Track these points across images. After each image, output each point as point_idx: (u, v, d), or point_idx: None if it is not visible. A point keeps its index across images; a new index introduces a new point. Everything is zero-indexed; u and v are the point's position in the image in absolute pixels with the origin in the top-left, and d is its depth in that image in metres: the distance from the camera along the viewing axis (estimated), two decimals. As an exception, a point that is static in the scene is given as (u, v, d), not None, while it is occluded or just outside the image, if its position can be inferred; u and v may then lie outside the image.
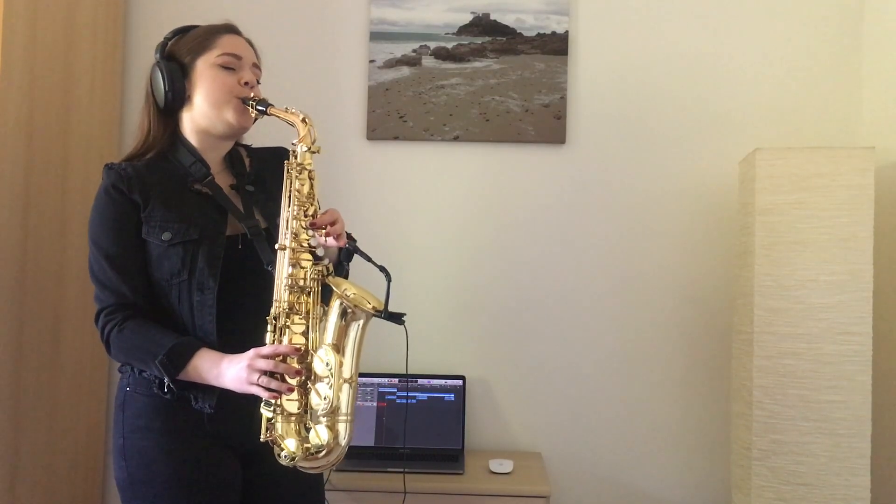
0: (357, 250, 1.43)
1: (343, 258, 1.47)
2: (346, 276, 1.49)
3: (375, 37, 2.39)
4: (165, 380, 1.39)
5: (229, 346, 1.40)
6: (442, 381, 2.25)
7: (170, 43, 1.53)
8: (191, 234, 1.43)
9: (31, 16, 1.93)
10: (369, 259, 1.42)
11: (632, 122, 2.37)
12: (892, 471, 2.05)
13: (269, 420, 1.37)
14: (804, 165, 1.91)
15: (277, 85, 1.83)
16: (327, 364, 1.36)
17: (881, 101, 2.23)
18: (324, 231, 1.41)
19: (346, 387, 1.37)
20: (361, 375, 2.23)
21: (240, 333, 1.41)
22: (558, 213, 2.37)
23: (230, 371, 1.36)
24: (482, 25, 2.40)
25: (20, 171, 1.92)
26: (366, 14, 2.40)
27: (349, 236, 1.51)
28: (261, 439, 1.37)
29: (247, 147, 1.65)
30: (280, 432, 1.37)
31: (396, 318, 1.37)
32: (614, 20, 2.38)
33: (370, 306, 1.38)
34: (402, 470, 2.00)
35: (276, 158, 1.57)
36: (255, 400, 1.37)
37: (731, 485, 2.12)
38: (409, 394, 2.24)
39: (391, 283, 1.35)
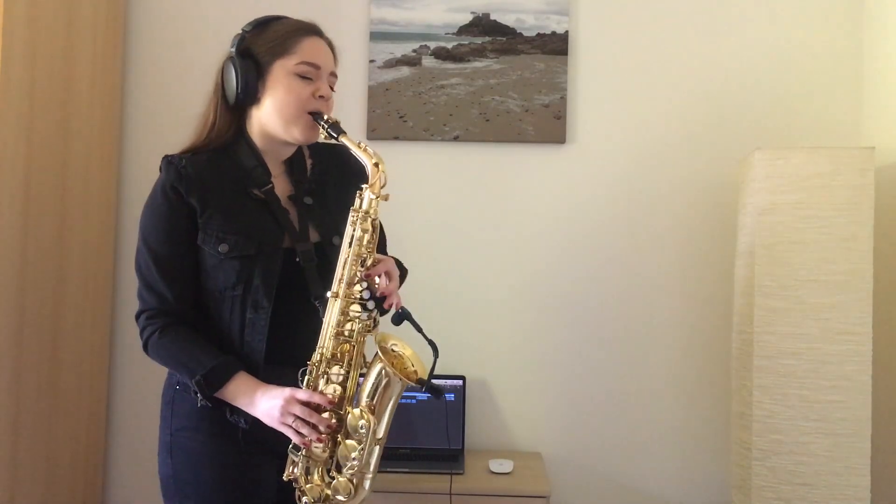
0: (409, 318, 1.38)
1: (393, 321, 1.40)
2: (434, 349, 1.41)
3: (375, 37, 2.39)
4: (198, 396, 1.38)
5: (274, 368, 1.38)
6: (442, 381, 2.25)
7: (248, 37, 1.43)
8: (248, 249, 1.38)
9: (31, 16, 1.93)
10: (420, 330, 1.37)
11: (632, 122, 2.37)
12: (892, 471, 2.05)
13: (293, 460, 1.36)
14: (804, 165, 1.91)
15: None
16: (361, 426, 1.33)
17: (881, 101, 2.23)
18: (376, 283, 1.37)
19: (376, 448, 1.36)
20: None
21: (290, 354, 1.39)
22: (558, 212, 2.37)
23: (263, 404, 1.33)
24: (482, 25, 2.40)
25: (20, 171, 1.92)
26: (366, 14, 2.40)
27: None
28: (283, 478, 1.36)
29: (313, 147, 1.57)
30: (304, 474, 1.36)
31: (437, 392, 1.36)
32: (614, 20, 2.38)
33: (413, 370, 1.36)
34: (402, 470, 2.00)
35: (337, 159, 1.53)
36: None
37: (731, 485, 2.12)
38: (409, 394, 2.24)
39: (437, 360, 1.34)
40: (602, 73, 2.38)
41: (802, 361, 1.89)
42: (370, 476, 1.37)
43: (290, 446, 1.35)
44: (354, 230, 1.38)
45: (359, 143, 1.41)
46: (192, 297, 1.41)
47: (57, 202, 2.07)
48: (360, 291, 1.36)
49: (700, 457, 2.33)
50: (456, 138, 2.37)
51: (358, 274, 1.37)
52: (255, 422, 1.37)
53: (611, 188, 2.37)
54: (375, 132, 2.37)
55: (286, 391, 1.32)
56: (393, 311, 1.39)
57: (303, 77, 1.41)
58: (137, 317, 1.42)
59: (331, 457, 1.36)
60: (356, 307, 1.37)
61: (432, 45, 2.40)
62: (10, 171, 1.88)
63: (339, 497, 1.36)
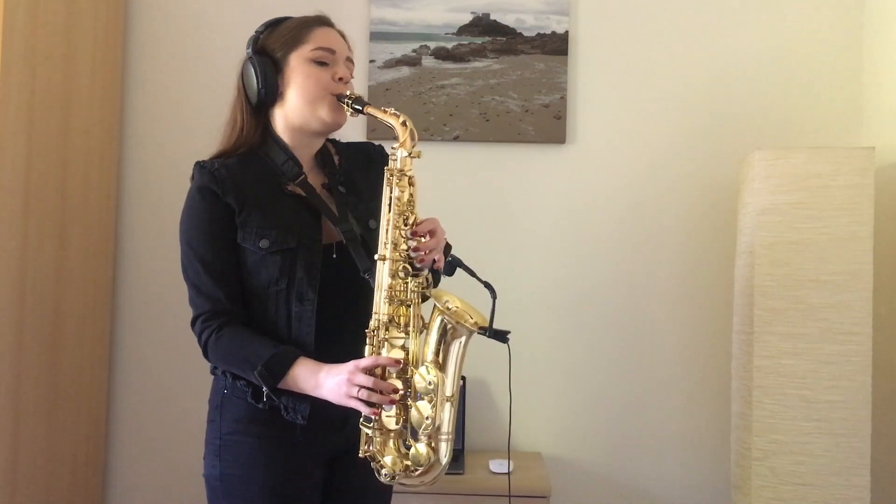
0: (460, 264, 1.36)
1: (445, 272, 1.40)
2: (490, 290, 1.39)
3: (375, 37, 2.39)
4: (263, 389, 1.36)
5: (327, 358, 1.36)
6: (442, 381, 2.25)
7: (261, 37, 1.47)
8: (289, 243, 1.38)
9: (31, 16, 1.93)
10: (473, 274, 1.36)
11: (631, 122, 2.37)
12: (892, 471, 2.05)
13: (367, 435, 1.33)
14: (804, 165, 1.91)
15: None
16: (430, 382, 1.31)
17: (881, 101, 2.23)
18: (423, 241, 1.36)
19: (447, 405, 1.33)
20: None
21: (339, 344, 1.38)
22: (558, 213, 2.37)
23: (328, 382, 1.32)
24: (482, 25, 2.40)
25: (20, 171, 1.92)
26: (366, 14, 2.40)
27: (448, 247, 1.47)
28: (360, 454, 1.34)
29: (335, 142, 1.59)
30: (378, 448, 1.33)
31: (501, 335, 1.33)
32: (614, 20, 2.38)
33: (472, 321, 1.34)
34: (402, 470, 1.99)
35: (362, 155, 1.55)
36: (347, 409, 1.32)
37: (731, 485, 2.12)
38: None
39: (496, 302, 1.32)
40: (602, 73, 2.38)
41: (802, 361, 1.89)
42: (446, 437, 1.33)
43: (361, 419, 1.32)
44: (392, 190, 1.38)
45: (383, 110, 1.42)
46: (242, 296, 1.41)
47: (57, 202, 2.07)
48: (408, 251, 1.35)
49: (700, 457, 2.33)
50: (456, 138, 2.37)
51: (403, 234, 1.36)
52: (312, 420, 1.37)
53: (611, 188, 2.37)
54: (375, 132, 2.37)
55: (349, 364, 1.30)
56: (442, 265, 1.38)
57: (320, 63, 1.43)
58: (193, 323, 1.41)
59: (405, 426, 1.33)
60: (406, 266, 1.35)
61: (432, 45, 2.40)
62: (10, 171, 1.88)
63: (420, 466, 1.32)
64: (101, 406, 2.31)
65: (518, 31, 2.38)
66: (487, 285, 1.33)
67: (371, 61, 2.38)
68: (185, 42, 2.40)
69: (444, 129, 2.37)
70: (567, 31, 2.37)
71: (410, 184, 1.40)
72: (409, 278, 1.35)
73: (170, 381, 2.35)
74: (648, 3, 2.38)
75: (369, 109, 1.41)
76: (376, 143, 1.58)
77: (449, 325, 1.33)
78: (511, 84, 2.37)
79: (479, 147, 2.38)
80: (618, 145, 2.37)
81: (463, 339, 1.36)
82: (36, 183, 1.98)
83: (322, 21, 1.49)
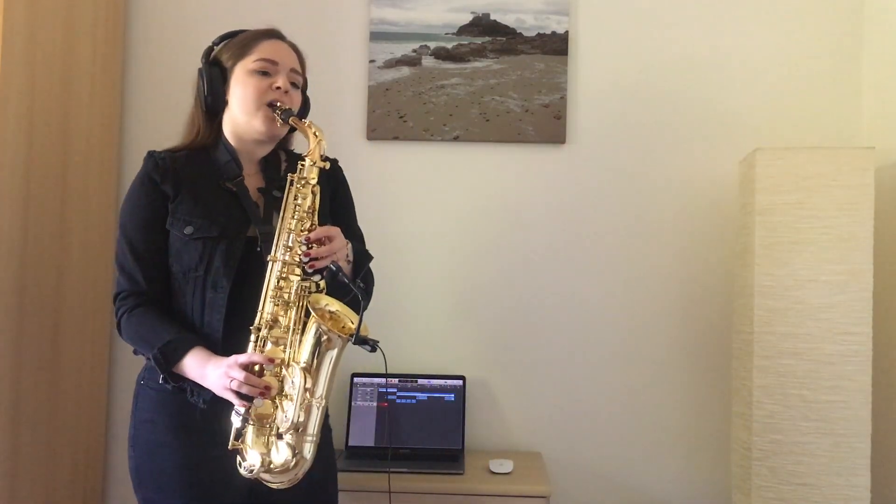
0: (338, 272, 1.40)
1: (326, 278, 1.44)
2: (362, 297, 1.41)
3: (375, 37, 2.39)
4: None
5: (234, 345, 1.42)
6: (442, 381, 2.25)
7: (216, 48, 1.57)
8: (211, 231, 1.46)
9: (31, 16, 1.93)
10: (348, 282, 1.39)
11: (632, 122, 2.37)
12: (892, 471, 2.05)
13: (238, 429, 1.38)
14: (804, 165, 1.91)
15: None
16: (292, 383, 1.37)
17: (881, 101, 2.23)
18: (315, 249, 1.40)
19: (314, 408, 1.38)
20: (361, 375, 2.24)
21: (246, 332, 1.42)
22: (558, 213, 2.37)
23: (211, 373, 1.38)
24: (482, 25, 2.40)
25: (20, 171, 1.92)
26: (366, 14, 2.40)
27: (369, 257, 1.54)
28: (229, 447, 1.38)
29: (289, 152, 1.67)
30: (248, 443, 1.39)
31: (368, 343, 1.36)
32: (614, 20, 2.38)
33: (345, 330, 1.38)
34: (401, 470, 2.00)
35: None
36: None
37: (731, 485, 2.12)
38: (409, 394, 2.24)
39: (365, 309, 1.35)
40: (602, 73, 2.38)
41: (802, 361, 1.89)
42: (311, 440, 1.38)
43: (233, 412, 1.38)
44: (293, 197, 1.45)
45: (303, 122, 1.50)
46: (164, 281, 1.48)
47: (57, 202, 2.07)
48: (299, 255, 1.42)
49: (700, 457, 2.33)
50: (456, 138, 2.37)
51: (299, 238, 1.42)
52: (213, 405, 1.43)
53: (610, 188, 2.37)
54: (375, 132, 2.37)
55: (230, 358, 1.37)
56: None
57: (262, 73, 1.51)
58: (113, 302, 1.50)
59: (271, 424, 1.38)
60: (297, 271, 1.42)
61: (432, 45, 2.40)
62: (10, 171, 1.88)
63: (276, 462, 1.37)
64: (101, 406, 2.31)
65: (518, 31, 2.38)
66: (359, 289, 1.36)
67: (371, 61, 2.38)
68: (185, 42, 2.40)
69: (444, 129, 2.37)
70: (567, 31, 2.37)
71: (313, 192, 1.47)
72: (296, 282, 1.41)
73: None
74: (648, 4, 2.38)
75: (292, 120, 1.49)
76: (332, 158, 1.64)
77: (323, 331, 1.38)
78: (511, 84, 2.37)
79: (479, 147, 2.38)
80: (618, 145, 2.37)
81: (337, 345, 1.40)
82: (36, 183, 1.98)
83: (271, 34, 1.57)
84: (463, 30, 2.40)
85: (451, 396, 2.23)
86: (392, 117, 2.37)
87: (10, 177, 1.89)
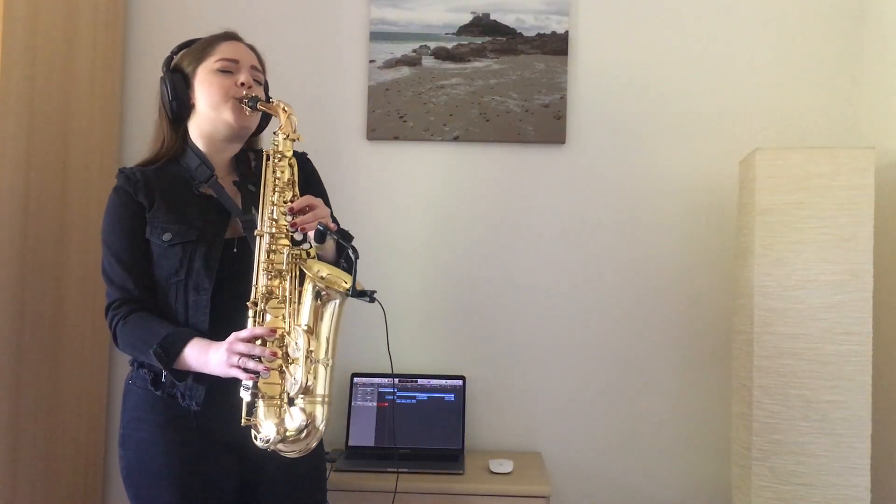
0: (326, 231, 1.42)
1: (316, 240, 1.47)
2: (349, 262, 1.46)
3: (375, 37, 2.39)
4: (163, 374, 1.45)
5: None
6: (442, 381, 2.25)
7: (175, 57, 1.62)
8: (189, 236, 1.49)
9: (31, 16, 1.93)
10: (340, 239, 1.42)
11: (632, 122, 2.37)
12: (892, 471, 2.05)
13: (249, 404, 1.39)
14: (804, 165, 1.91)
15: (278, 85, 1.83)
16: (297, 345, 1.39)
17: (881, 101, 2.23)
18: (298, 218, 1.44)
19: (320, 368, 1.40)
20: (361, 376, 2.24)
21: (232, 330, 1.43)
22: (558, 213, 2.37)
23: (213, 357, 1.40)
24: (482, 25, 2.40)
25: (20, 171, 1.92)
26: (366, 14, 2.40)
27: (345, 234, 1.53)
28: (241, 423, 1.39)
29: (256, 151, 1.69)
30: (260, 417, 1.39)
31: (365, 295, 1.38)
32: (614, 20, 2.38)
33: (342, 286, 1.40)
34: (402, 470, 2.00)
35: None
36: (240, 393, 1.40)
37: (731, 485, 2.12)
38: (409, 394, 2.24)
39: (357, 262, 1.37)
40: (602, 73, 2.38)
41: (802, 361, 1.89)
42: (321, 400, 1.39)
43: (241, 387, 1.39)
44: (272, 171, 1.49)
45: (271, 101, 1.54)
46: (151, 287, 1.51)
47: (57, 202, 2.07)
48: (285, 226, 1.45)
49: (700, 457, 2.33)
50: (456, 138, 2.37)
51: (282, 210, 1.46)
52: (207, 407, 1.45)
53: (610, 188, 2.37)
54: (375, 132, 2.37)
55: (230, 337, 1.40)
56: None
57: (224, 72, 1.55)
58: (105, 313, 1.51)
59: (282, 393, 1.39)
60: (285, 241, 1.45)
61: (432, 45, 2.40)
62: (10, 171, 1.88)
63: (290, 429, 1.37)
64: (101, 406, 2.31)
65: (518, 31, 2.38)
66: (352, 247, 1.39)
67: (371, 61, 2.38)
68: (185, 42, 2.40)
69: (444, 129, 2.37)
70: (567, 31, 2.37)
71: (290, 165, 1.52)
72: (287, 251, 1.45)
73: (170, 381, 2.35)
74: (648, 4, 2.38)
75: (260, 105, 1.53)
76: (301, 152, 1.67)
77: (321, 291, 1.41)
78: (511, 84, 2.37)
79: (479, 147, 2.38)
80: (618, 145, 2.37)
81: (336, 302, 1.42)
82: (36, 183, 1.98)
83: (228, 36, 1.62)
84: (463, 30, 2.40)
85: (451, 396, 2.23)
86: (392, 117, 2.37)
87: (11, 177, 1.88)
